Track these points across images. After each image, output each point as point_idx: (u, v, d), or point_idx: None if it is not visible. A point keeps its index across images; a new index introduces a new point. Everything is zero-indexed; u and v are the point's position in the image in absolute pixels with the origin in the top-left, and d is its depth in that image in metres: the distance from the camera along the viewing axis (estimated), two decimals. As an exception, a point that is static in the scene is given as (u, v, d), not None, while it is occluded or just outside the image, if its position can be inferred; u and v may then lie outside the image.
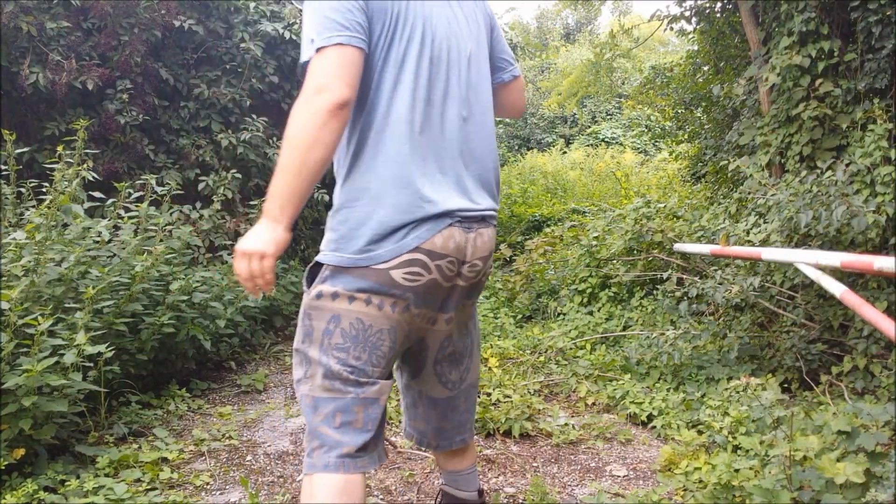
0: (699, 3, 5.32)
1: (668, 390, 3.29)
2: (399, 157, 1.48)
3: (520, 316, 5.14)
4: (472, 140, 1.62)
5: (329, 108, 1.35)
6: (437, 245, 1.51)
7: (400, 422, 3.06)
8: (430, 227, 1.50)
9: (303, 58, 1.43)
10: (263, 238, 1.40)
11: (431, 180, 1.52)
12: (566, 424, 3.03)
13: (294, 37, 5.35)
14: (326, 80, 1.36)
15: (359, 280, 1.48)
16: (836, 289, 2.03)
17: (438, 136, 1.55)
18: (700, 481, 2.31)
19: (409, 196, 1.48)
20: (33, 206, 3.27)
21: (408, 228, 1.47)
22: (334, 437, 1.50)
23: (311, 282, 1.55)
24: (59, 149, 3.22)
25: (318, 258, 1.53)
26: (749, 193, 3.56)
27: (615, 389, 3.31)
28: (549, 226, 7.61)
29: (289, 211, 1.40)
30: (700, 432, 2.76)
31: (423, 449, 2.50)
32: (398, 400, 3.24)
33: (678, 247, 3.83)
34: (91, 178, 3.49)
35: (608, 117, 19.41)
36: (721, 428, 2.61)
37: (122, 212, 3.48)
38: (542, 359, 3.92)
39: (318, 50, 1.38)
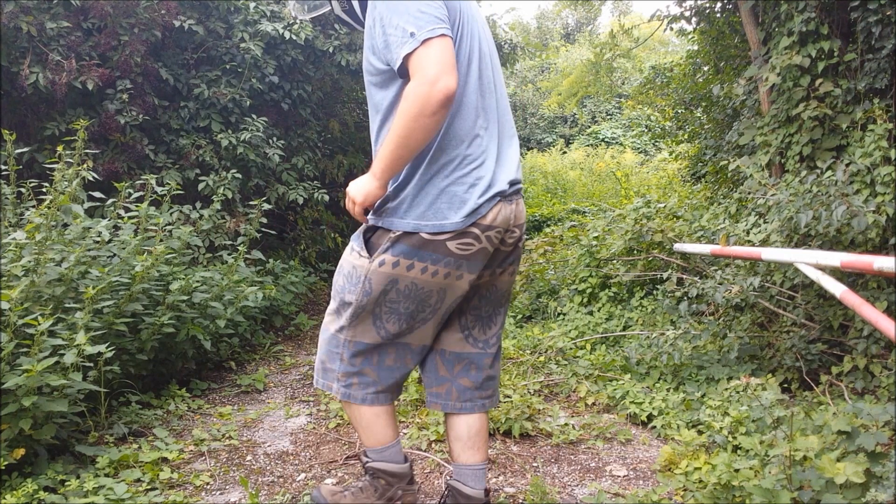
0: (699, 3, 5.32)
1: (668, 390, 3.29)
2: (468, 138, 1.72)
3: (520, 316, 5.13)
4: (508, 123, 1.86)
5: (443, 100, 1.54)
6: (488, 219, 1.74)
7: (400, 421, 3.07)
8: (486, 205, 1.72)
9: (403, 50, 1.56)
10: (360, 188, 1.72)
11: (490, 159, 1.75)
12: (566, 424, 3.03)
13: (294, 37, 5.35)
14: (441, 70, 1.53)
15: (418, 250, 1.71)
16: (836, 289, 2.03)
17: (494, 121, 1.79)
18: (700, 481, 2.30)
19: (475, 173, 1.71)
20: (33, 206, 3.27)
21: (471, 205, 1.70)
22: (370, 377, 1.88)
23: (367, 246, 1.78)
24: (59, 149, 3.22)
25: (381, 223, 1.75)
26: (749, 193, 3.56)
27: (615, 389, 3.31)
28: (549, 226, 7.61)
29: (388, 173, 1.67)
30: (700, 432, 2.76)
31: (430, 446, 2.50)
32: (398, 400, 3.24)
33: (678, 247, 3.83)
34: (91, 178, 3.49)
35: (608, 117, 19.42)
36: (721, 428, 2.61)
37: (122, 212, 3.47)
38: (542, 359, 3.92)
39: (424, 41, 1.54)
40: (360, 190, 1.71)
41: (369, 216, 1.79)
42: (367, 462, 1.98)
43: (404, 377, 1.96)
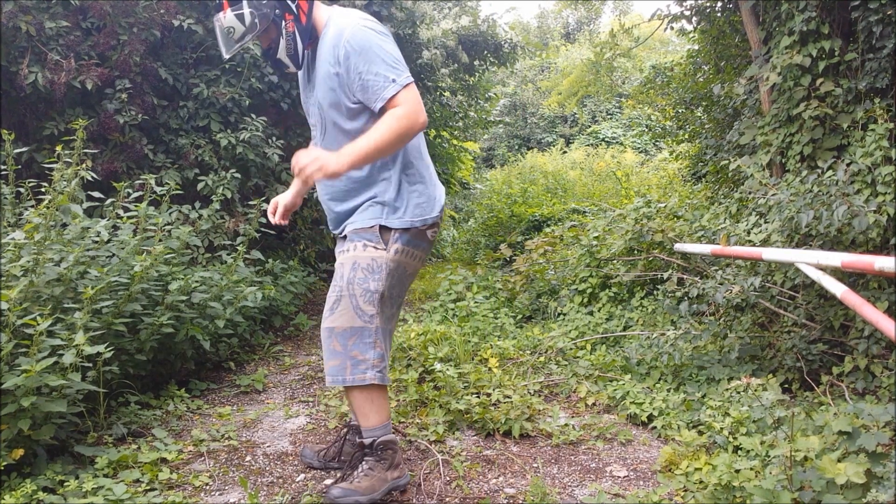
0: (699, 2, 5.31)
1: (668, 391, 3.28)
2: (424, 153, 2.32)
3: (520, 316, 5.13)
4: None
5: (420, 130, 2.09)
6: (442, 212, 2.33)
7: (400, 422, 3.06)
8: (445, 202, 2.35)
9: (388, 92, 2.05)
10: (331, 164, 2.03)
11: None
12: (566, 425, 3.03)
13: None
14: (420, 107, 2.07)
15: (413, 239, 2.24)
16: (837, 289, 2.03)
17: None
18: (700, 482, 2.30)
19: (435, 178, 2.33)
20: (32, 206, 3.26)
21: (439, 203, 2.30)
22: (386, 358, 2.26)
23: (382, 241, 2.20)
24: (58, 148, 3.21)
25: (387, 223, 2.20)
26: (750, 193, 3.55)
27: (615, 390, 3.31)
28: (549, 226, 7.60)
29: (355, 167, 2.09)
30: (700, 433, 2.75)
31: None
32: (398, 400, 3.24)
33: (679, 247, 3.82)
34: (90, 178, 3.48)
35: (608, 117, 19.43)
36: (722, 428, 2.60)
37: (120, 212, 3.46)
38: (542, 359, 3.91)
39: (405, 86, 2.05)
40: (331, 165, 2.03)
41: (378, 219, 2.21)
42: (377, 439, 2.26)
43: None
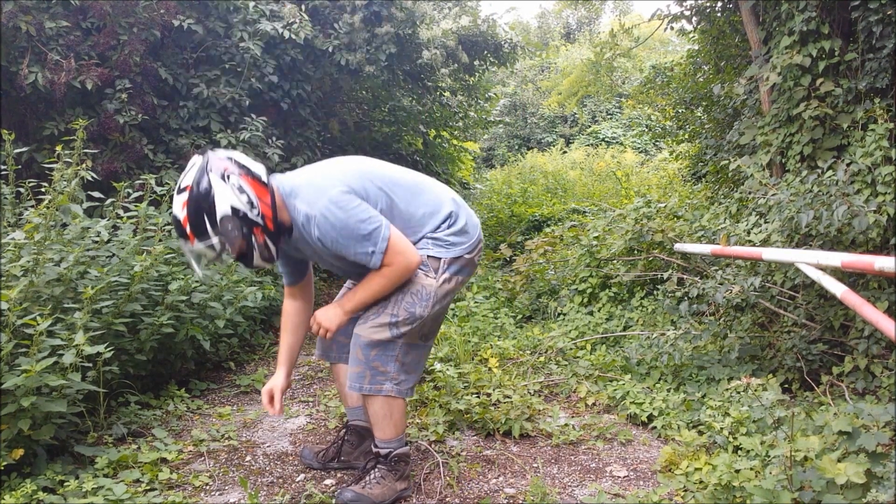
0: (699, 2, 5.31)
1: (668, 391, 3.28)
2: (445, 200, 2.36)
3: (520, 316, 5.13)
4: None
5: (415, 267, 2.20)
6: (482, 237, 2.44)
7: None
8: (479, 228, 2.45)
9: (374, 262, 2.13)
10: (332, 320, 2.24)
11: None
12: (566, 425, 3.03)
13: (293, 36, 5.33)
14: (406, 255, 2.16)
15: (461, 266, 2.32)
16: (837, 289, 2.03)
17: (437, 182, 2.56)
18: (700, 482, 2.30)
19: (464, 204, 2.41)
20: (32, 206, 3.26)
21: (472, 223, 2.38)
22: (412, 374, 2.33)
23: (432, 270, 2.26)
24: (58, 148, 3.21)
25: (436, 254, 2.27)
26: (750, 193, 3.56)
27: (615, 390, 3.31)
28: (549, 226, 7.60)
29: (357, 312, 2.27)
30: (701, 433, 2.75)
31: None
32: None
33: (679, 247, 3.82)
34: (90, 178, 3.48)
35: (608, 117, 19.42)
36: (722, 428, 2.60)
37: (120, 212, 3.46)
38: (542, 359, 3.91)
39: (384, 249, 2.11)
40: (332, 321, 2.23)
41: (427, 251, 2.26)
42: (393, 451, 2.33)
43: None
